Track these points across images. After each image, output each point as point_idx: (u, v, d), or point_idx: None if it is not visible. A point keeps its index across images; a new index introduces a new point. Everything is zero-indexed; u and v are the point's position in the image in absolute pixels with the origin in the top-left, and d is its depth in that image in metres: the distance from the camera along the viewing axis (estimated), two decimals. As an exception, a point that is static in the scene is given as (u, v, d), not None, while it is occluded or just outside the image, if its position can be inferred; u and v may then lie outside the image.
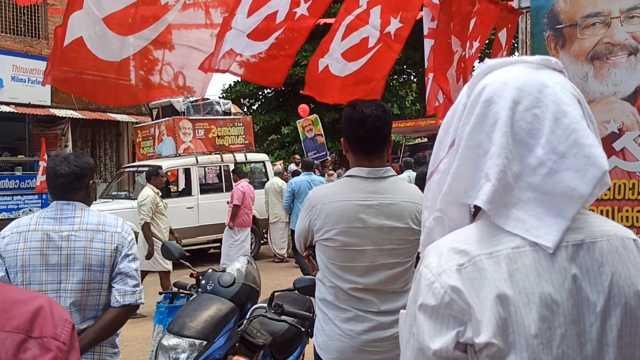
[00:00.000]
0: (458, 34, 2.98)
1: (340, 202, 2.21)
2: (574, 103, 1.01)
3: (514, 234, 0.98)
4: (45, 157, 11.08)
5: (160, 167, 8.30)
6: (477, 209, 1.08)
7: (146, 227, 7.11)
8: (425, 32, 3.16)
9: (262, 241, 11.24)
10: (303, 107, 14.53)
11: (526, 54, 4.19)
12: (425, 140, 19.43)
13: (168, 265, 7.14)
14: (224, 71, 2.63)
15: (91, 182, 2.53)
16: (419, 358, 0.96)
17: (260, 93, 23.04)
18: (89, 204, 2.52)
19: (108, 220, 2.46)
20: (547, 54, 3.92)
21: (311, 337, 3.28)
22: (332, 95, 2.82)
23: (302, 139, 14.50)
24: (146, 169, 10.76)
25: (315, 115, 14.18)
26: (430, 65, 3.00)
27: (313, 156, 14.05)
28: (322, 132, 14.00)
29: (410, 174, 8.84)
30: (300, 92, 2.85)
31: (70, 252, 2.33)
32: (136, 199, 10.06)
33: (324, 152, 14.03)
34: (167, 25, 2.56)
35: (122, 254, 2.41)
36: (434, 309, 0.95)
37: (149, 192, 7.30)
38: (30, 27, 13.13)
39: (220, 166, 11.33)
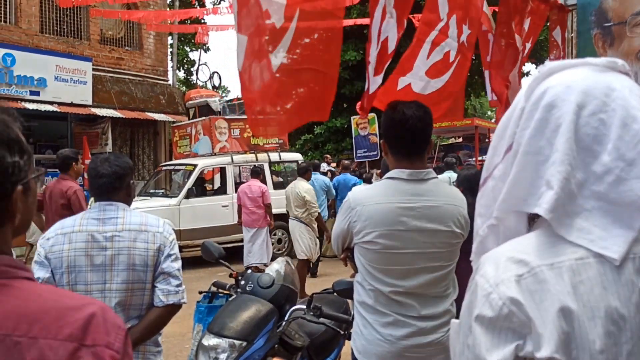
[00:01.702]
0: (520, 33, 2.89)
1: (381, 205, 2.17)
2: None
3: (577, 244, 0.94)
4: (90, 155, 11.36)
5: (310, 164, 9.13)
6: (534, 217, 1.04)
7: (319, 217, 7.99)
8: (485, 27, 3.06)
9: (296, 241, 11.24)
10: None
11: (572, 53, 4.08)
12: (460, 140, 19.18)
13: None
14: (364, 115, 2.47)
15: (131, 181, 2.56)
16: None
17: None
18: (129, 203, 2.55)
19: (150, 221, 2.48)
20: (594, 53, 3.82)
21: (348, 340, 3.26)
22: None
23: (353, 136, 14.44)
24: (183, 167, 10.96)
25: (373, 114, 14.04)
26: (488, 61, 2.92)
27: (363, 154, 13.97)
28: (377, 132, 13.79)
29: (451, 175, 8.68)
30: (364, 106, 2.53)
31: (114, 252, 2.36)
32: (174, 196, 10.27)
33: (375, 152, 13.71)
34: (287, 49, 2.38)
35: (165, 254, 2.44)
36: (492, 321, 0.92)
37: (308, 185, 8.16)
38: (72, 28, 13.46)
39: (255, 165, 11.41)
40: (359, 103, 2.43)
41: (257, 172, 9.56)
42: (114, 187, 2.45)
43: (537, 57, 19.20)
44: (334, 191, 10.21)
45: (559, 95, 0.98)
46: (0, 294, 0.90)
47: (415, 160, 2.25)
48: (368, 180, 10.18)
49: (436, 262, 2.20)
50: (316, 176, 9.66)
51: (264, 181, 10.57)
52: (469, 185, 3.94)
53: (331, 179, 11.66)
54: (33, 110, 11.43)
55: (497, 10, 3.09)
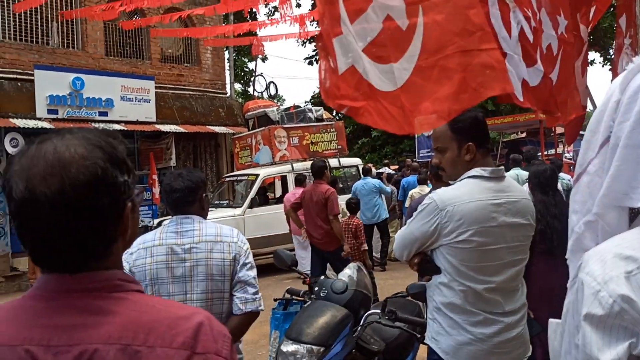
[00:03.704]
0: (586, 23, 2.76)
1: (473, 203, 2.21)
2: None
3: None
4: (156, 170, 11.76)
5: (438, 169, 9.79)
6: (635, 212, 1.01)
7: None
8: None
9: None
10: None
11: (641, 39, 3.90)
12: (523, 135, 18.64)
13: None
14: (521, 103, 2.33)
15: (204, 195, 2.64)
16: None
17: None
18: (204, 216, 2.63)
19: (224, 231, 2.56)
20: (665, 39, 3.63)
21: (422, 343, 3.23)
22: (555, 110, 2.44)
23: (416, 136, 14.44)
24: (245, 177, 11.18)
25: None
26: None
27: (426, 154, 13.93)
28: None
29: (519, 172, 8.46)
30: (527, 99, 2.34)
31: (192, 263, 2.45)
32: (239, 207, 10.48)
33: None
34: (420, 49, 2.30)
35: (241, 263, 2.50)
36: (602, 319, 0.90)
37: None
38: (135, 49, 14.02)
39: (299, 173, 11.49)
40: (519, 97, 2.31)
41: (300, 181, 9.66)
42: (187, 201, 2.54)
43: (601, 44, 18.48)
44: (388, 189, 10.69)
45: None
46: (118, 307, 0.96)
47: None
48: (423, 181, 10.14)
49: (518, 255, 2.29)
50: (366, 180, 10.25)
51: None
52: (538, 182, 3.83)
53: (390, 181, 11.66)
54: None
55: None
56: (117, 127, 12.33)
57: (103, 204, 0.95)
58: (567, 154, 15.65)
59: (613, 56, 4.00)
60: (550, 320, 1.07)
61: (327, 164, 7.51)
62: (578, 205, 1.09)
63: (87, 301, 0.96)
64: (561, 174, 9.25)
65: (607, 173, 1.00)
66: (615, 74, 3.78)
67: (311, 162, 7.91)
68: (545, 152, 14.62)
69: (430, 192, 2.66)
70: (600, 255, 0.95)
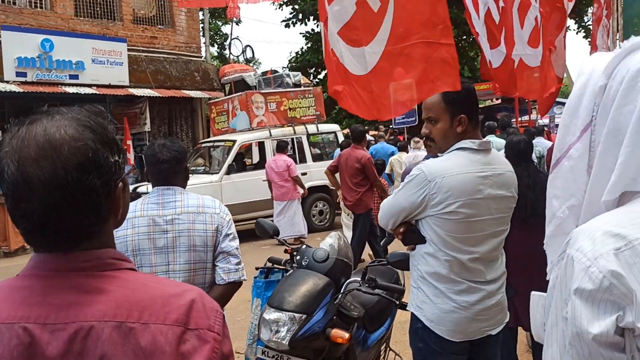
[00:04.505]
0: None
1: (461, 175, 2.26)
2: None
3: None
4: (130, 135, 11.58)
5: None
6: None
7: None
8: None
9: (336, 211, 11.34)
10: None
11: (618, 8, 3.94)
12: (498, 101, 18.76)
13: None
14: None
15: (186, 165, 2.63)
16: (575, 343, 0.96)
17: (326, 62, 22.84)
18: (185, 187, 2.62)
19: (207, 202, 2.55)
20: (640, 8, 3.67)
21: (401, 309, 3.33)
22: (525, 89, 2.57)
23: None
24: (222, 143, 11.09)
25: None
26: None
27: (401, 120, 13.85)
28: None
29: (494, 139, 8.53)
30: (495, 82, 2.53)
31: (175, 234, 2.45)
32: (215, 173, 10.43)
33: (413, 118, 13.46)
34: (389, 34, 2.36)
35: (223, 234, 2.51)
36: (592, 293, 0.94)
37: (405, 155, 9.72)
38: (105, 10, 13.59)
39: (292, 138, 11.46)
40: (492, 81, 2.49)
41: (282, 147, 9.69)
42: (175, 172, 2.52)
43: (576, 11, 18.56)
44: None
45: None
46: (111, 285, 0.97)
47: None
48: (403, 148, 10.16)
49: (501, 227, 2.36)
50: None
51: (300, 155, 10.69)
52: (512, 154, 3.88)
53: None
54: (73, 93, 11.69)
55: None
56: (88, 90, 12.06)
57: (95, 185, 0.95)
58: (540, 121, 15.83)
59: (590, 24, 4.05)
60: (533, 292, 1.11)
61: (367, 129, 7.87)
62: (559, 191, 1.12)
63: (81, 280, 0.97)
64: (540, 140, 9.34)
65: (598, 158, 1.02)
66: (594, 46, 3.80)
67: (351, 126, 8.23)
68: (520, 119, 14.78)
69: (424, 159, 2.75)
70: (590, 233, 0.99)
